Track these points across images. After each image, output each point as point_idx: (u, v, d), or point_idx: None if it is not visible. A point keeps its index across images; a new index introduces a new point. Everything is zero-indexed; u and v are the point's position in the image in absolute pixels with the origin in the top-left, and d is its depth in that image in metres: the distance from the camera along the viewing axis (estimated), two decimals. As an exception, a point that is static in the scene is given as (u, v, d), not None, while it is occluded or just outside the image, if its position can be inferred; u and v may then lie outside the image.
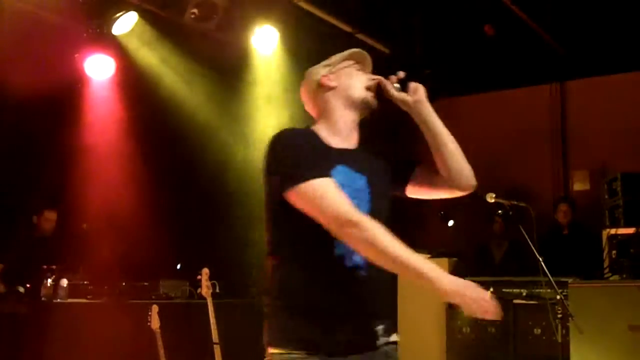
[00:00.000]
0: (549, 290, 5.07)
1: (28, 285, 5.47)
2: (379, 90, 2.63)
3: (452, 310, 6.81)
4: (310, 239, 2.41)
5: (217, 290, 5.25)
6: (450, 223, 7.68)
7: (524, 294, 6.36)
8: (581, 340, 5.21)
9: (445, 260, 7.18)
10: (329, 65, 2.65)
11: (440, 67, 7.66)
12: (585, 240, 6.97)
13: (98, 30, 6.14)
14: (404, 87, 2.63)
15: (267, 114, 6.99)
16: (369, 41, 7.10)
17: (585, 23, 7.05)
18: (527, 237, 4.71)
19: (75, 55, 6.31)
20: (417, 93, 2.65)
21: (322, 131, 2.59)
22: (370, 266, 2.44)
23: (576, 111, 7.97)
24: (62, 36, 6.24)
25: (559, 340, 5.23)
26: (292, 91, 6.96)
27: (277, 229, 2.50)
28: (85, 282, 5.77)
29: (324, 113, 2.63)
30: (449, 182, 2.70)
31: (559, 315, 5.14)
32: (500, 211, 7.14)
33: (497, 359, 6.34)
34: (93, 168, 6.48)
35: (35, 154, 6.25)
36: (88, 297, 5.56)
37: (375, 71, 2.70)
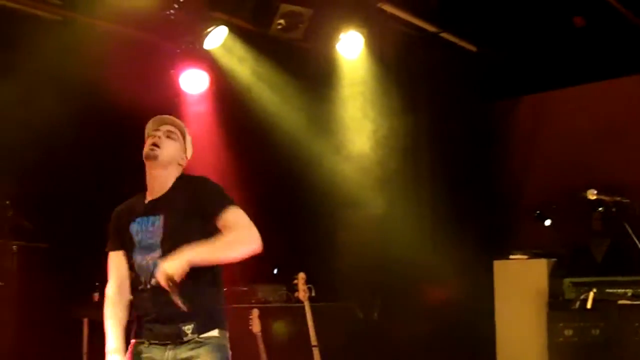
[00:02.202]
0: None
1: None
2: None
3: (553, 312, 6.68)
4: None
5: (313, 294, 5.32)
6: (547, 223, 7.54)
7: (629, 294, 6.20)
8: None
9: (543, 262, 7.06)
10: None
11: (529, 62, 7.55)
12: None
13: (191, 46, 6.36)
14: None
15: (355, 120, 7.06)
16: (455, 40, 7.08)
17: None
18: (632, 234, 4.60)
19: (171, 72, 6.56)
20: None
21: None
22: None
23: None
24: (157, 54, 6.50)
25: (667, 340, 5.07)
26: (379, 96, 7.03)
27: None
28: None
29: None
30: None
31: (667, 315, 4.99)
32: (600, 208, 6.98)
33: (602, 361, 6.19)
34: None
35: (136, 164, 6.49)
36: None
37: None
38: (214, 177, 6.69)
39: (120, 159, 6.41)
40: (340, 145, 6.98)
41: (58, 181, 6.01)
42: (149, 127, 3.62)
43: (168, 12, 6.00)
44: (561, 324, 6.57)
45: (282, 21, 6.26)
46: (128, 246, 3.39)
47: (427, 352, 7.12)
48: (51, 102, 5.71)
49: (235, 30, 6.44)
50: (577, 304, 6.34)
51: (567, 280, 6.66)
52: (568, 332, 6.51)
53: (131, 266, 3.37)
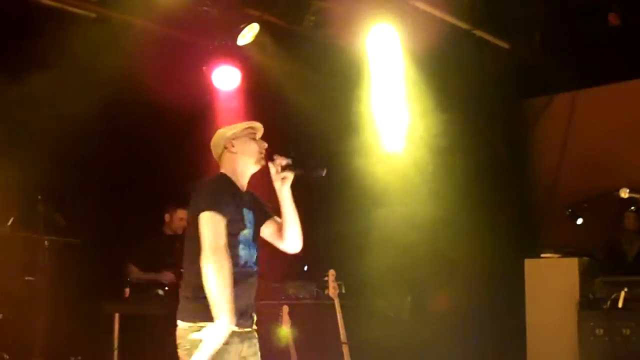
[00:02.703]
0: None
1: (167, 288, 5.72)
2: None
3: (584, 311, 6.64)
4: None
5: (343, 291, 5.34)
6: (579, 221, 7.48)
7: (661, 293, 6.16)
8: None
9: (575, 260, 7.02)
10: (231, 131, 3.58)
11: (563, 60, 7.49)
12: None
13: (223, 43, 6.40)
14: (284, 169, 3.51)
15: (387, 118, 7.04)
16: (488, 37, 7.03)
17: None
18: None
19: (203, 68, 6.60)
20: (284, 183, 3.56)
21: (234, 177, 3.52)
22: None
23: None
24: (189, 50, 6.54)
25: (699, 340, 5.03)
26: (411, 94, 6.99)
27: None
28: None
29: (229, 165, 3.54)
30: (283, 243, 3.69)
31: (699, 315, 4.95)
32: (633, 207, 6.93)
33: (632, 361, 6.15)
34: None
35: (169, 160, 6.55)
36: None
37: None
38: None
39: (153, 155, 6.49)
40: (372, 143, 6.96)
41: (91, 177, 6.08)
42: (251, 130, 3.65)
43: (202, 9, 6.04)
44: (592, 323, 6.55)
45: (314, 18, 6.28)
46: (235, 225, 3.36)
47: (457, 351, 7.11)
48: (85, 97, 5.78)
49: (267, 26, 6.45)
50: (608, 303, 6.30)
51: (598, 280, 6.63)
52: (599, 332, 6.48)
53: (234, 245, 3.34)
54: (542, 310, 7.10)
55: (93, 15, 6.13)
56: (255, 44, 6.45)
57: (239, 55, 6.58)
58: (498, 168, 7.56)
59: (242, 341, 3.35)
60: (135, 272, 6.24)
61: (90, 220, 6.02)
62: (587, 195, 7.36)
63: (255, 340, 3.49)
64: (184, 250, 3.41)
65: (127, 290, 5.79)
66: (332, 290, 5.36)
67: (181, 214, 6.53)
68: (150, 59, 5.96)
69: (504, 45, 7.16)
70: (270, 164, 3.52)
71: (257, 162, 3.54)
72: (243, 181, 3.55)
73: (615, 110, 7.89)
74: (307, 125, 7.10)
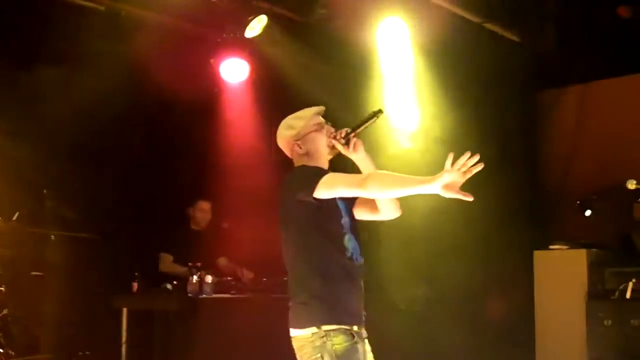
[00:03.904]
0: (696, 279, 4.88)
1: (175, 282, 5.73)
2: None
3: (592, 302, 6.65)
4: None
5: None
6: (588, 213, 7.47)
7: (670, 284, 6.15)
8: None
9: (583, 252, 7.02)
10: (295, 130, 3.34)
11: (574, 52, 7.44)
12: None
13: (231, 35, 6.37)
14: (347, 140, 3.30)
15: (397, 111, 7.01)
16: (499, 30, 6.99)
17: None
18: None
19: (211, 61, 6.58)
20: (358, 147, 3.32)
21: None
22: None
23: None
24: (197, 43, 6.52)
25: None
26: (421, 86, 6.96)
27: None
28: (229, 278, 5.99)
29: (305, 158, 3.32)
30: (380, 212, 3.35)
31: None
32: (640, 198, 6.91)
33: (641, 352, 6.15)
34: (230, 168, 6.72)
35: (180, 152, 6.55)
36: (232, 292, 5.76)
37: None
38: (253, 166, 6.78)
39: (162, 148, 6.49)
40: (383, 136, 6.94)
41: (101, 171, 6.07)
42: (317, 120, 3.39)
43: (210, 1, 6.01)
44: (600, 314, 6.55)
45: (323, 10, 6.25)
46: (334, 214, 3.17)
47: (467, 342, 7.12)
48: (94, 91, 5.77)
49: (276, 18, 6.42)
50: (617, 294, 6.30)
51: (607, 270, 6.62)
52: (607, 322, 6.49)
53: (337, 235, 3.15)
54: (550, 301, 7.10)
55: (102, 8, 6.11)
56: (264, 37, 6.42)
57: (248, 48, 6.55)
58: (510, 160, 7.53)
59: (362, 341, 3.13)
60: (167, 263, 6.24)
61: (101, 214, 6.02)
62: (598, 188, 7.36)
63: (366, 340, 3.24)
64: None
65: (136, 285, 5.79)
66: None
67: (203, 205, 6.53)
68: (159, 51, 5.94)
69: (515, 38, 7.13)
70: (334, 143, 3.30)
71: (329, 154, 3.34)
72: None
73: (627, 102, 7.85)
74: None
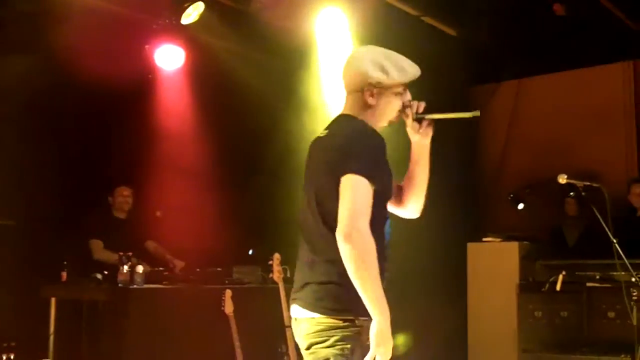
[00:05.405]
0: (623, 273, 4.98)
1: (106, 272, 5.61)
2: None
3: (523, 294, 6.76)
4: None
5: (288, 275, 5.31)
6: (520, 206, 7.60)
7: (598, 277, 6.27)
8: (657, 323, 5.12)
9: (515, 244, 7.13)
10: (384, 77, 2.79)
11: (509, 48, 7.55)
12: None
13: (167, 21, 6.26)
14: (421, 119, 2.86)
15: (335, 100, 7.00)
16: (436, 24, 7.04)
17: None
18: (600, 219, 4.64)
19: (146, 47, 6.45)
20: (428, 132, 2.88)
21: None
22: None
23: (650, 90, 7.78)
24: (132, 28, 6.38)
25: (634, 323, 5.15)
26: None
27: None
28: (161, 269, 5.89)
29: (367, 112, 2.82)
30: (404, 206, 2.99)
31: (634, 298, 5.07)
32: (572, 193, 7.04)
33: (570, 342, 6.27)
34: (164, 156, 6.61)
35: (109, 141, 6.41)
36: (164, 282, 5.68)
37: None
38: (186, 153, 6.69)
39: (91, 133, 6.32)
40: (318, 125, 6.92)
41: (24, 156, 5.88)
42: (405, 86, 2.86)
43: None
44: (531, 306, 6.68)
45: (262, -1, 6.19)
46: (386, 195, 2.80)
47: (401, 331, 7.15)
48: (22, 73, 5.59)
49: (213, 6, 6.34)
50: (547, 286, 6.41)
51: (538, 263, 6.74)
52: (538, 314, 6.61)
53: (381, 219, 2.76)
54: (483, 292, 7.21)
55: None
56: (201, 24, 6.33)
57: (184, 35, 6.44)
58: (444, 153, 7.59)
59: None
60: (99, 249, 6.07)
61: (25, 202, 5.83)
62: (531, 182, 7.49)
63: None
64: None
65: (64, 274, 5.64)
66: (277, 275, 5.33)
67: (123, 191, 6.35)
68: (91, 35, 5.78)
69: (452, 32, 7.19)
70: (406, 113, 2.84)
71: (392, 120, 2.86)
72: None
73: (559, 98, 8.03)
74: (253, 106, 7.01)
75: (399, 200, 2.96)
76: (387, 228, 2.83)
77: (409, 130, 2.87)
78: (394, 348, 2.62)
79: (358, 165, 2.60)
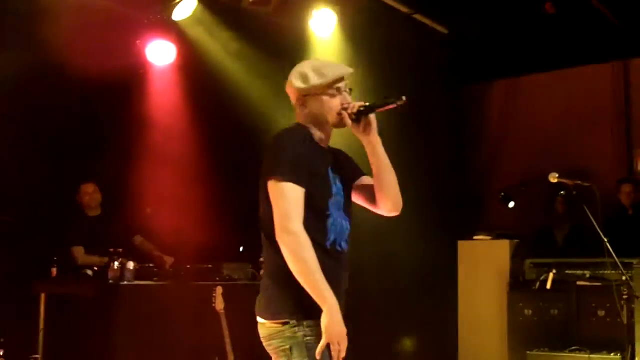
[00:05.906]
0: (613, 272, 5.00)
1: (96, 268, 5.59)
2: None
3: (514, 292, 6.77)
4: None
5: (279, 272, 5.28)
6: (511, 205, 7.61)
7: (588, 275, 6.30)
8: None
9: (506, 243, 7.14)
10: (307, 85, 2.89)
11: (500, 47, 7.56)
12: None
13: (159, 17, 6.24)
14: (359, 118, 2.90)
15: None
16: (427, 22, 7.04)
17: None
18: (591, 217, 4.65)
19: (137, 42, 6.43)
20: (369, 130, 2.91)
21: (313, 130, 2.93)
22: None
23: None
24: (123, 24, 6.35)
25: (625, 322, 5.17)
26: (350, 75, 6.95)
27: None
28: (151, 265, 5.88)
29: (308, 120, 2.94)
30: (377, 205, 3.02)
31: (625, 297, 5.08)
32: (563, 192, 7.04)
33: (559, 341, 6.29)
34: (155, 151, 6.59)
35: (100, 136, 6.38)
36: (154, 279, 5.66)
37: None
38: (177, 150, 6.67)
39: (83, 129, 6.29)
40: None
41: (16, 152, 5.85)
42: (338, 86, 2.93)
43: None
44: (521, 304, 6.69)
45: (256, -4, 6.18)
46: (321, 193, 2.83)
47: (393, 330, 7.18)
48: (13, 68, 5.56)
49: (206, 2, 6.32)
50: (537, 284, 6.43)
51: (528, 261, 6.75)
52: (528, 312, 6.63)
53: (319, 216, 2.81)
54: (474, 291, 7.22)
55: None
56: (193, 20, 6.31)
57: (175, 30, 6.43)
58: (436, 151, 7.61)
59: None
60: (81, 255, 6.04)
61: (15, 198, 5.80)
62: (522, 180, 7.50)
63: None
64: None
65: (54, 270, 5.62)
66: (267, 272, 5.31)
67: (86, 188, 6.27)
68: (82, 30, 5.76)
69: (443, 30, 7.19)
70: (343, 116, 2.88)
71: (336, 124, 2.92)
72: (323, 135, 2.93)
73: (550, 97, 8.04)
74: (244, 103, 7.00)
75: (373, 200, 3.02)
76: (345, 224, 2.92)
77: (353, 131, 2.94)
78: (348, 335, 2.73)
79: (280, 169, 2.72)
